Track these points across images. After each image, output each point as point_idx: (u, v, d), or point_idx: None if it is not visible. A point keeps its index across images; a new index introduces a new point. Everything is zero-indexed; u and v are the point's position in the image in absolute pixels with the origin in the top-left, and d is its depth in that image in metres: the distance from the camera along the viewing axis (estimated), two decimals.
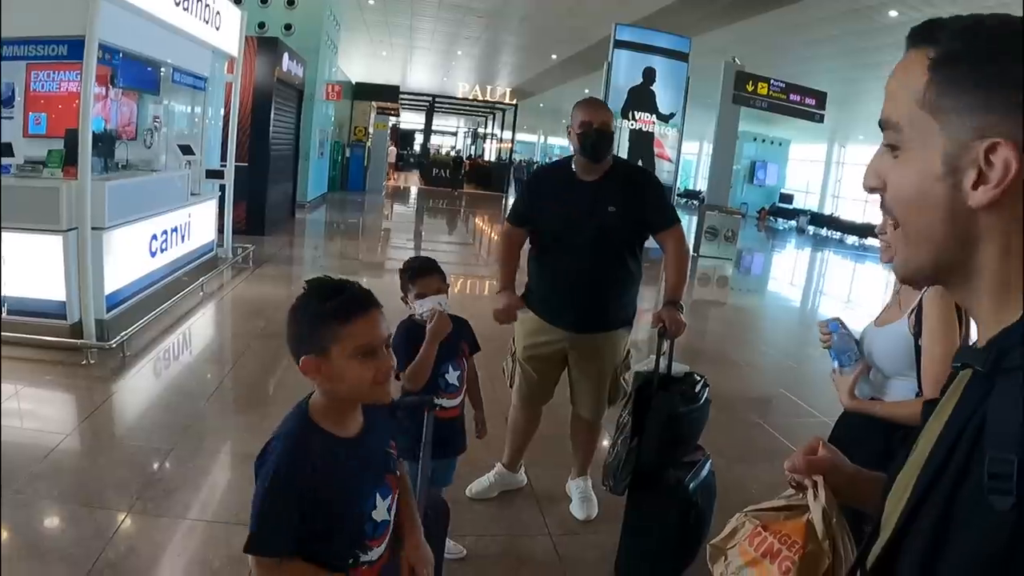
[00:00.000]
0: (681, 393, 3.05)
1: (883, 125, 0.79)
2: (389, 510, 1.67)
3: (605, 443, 3.80)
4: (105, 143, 6.34)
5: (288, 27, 13.87)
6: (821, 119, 14.99)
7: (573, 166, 3.37)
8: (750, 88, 13.80)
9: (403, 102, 28.00)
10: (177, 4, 6.46)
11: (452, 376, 2.86)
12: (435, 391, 2.79)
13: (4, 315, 5.17)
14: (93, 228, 5.33)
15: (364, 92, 23.13)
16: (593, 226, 3.26)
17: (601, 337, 3.44)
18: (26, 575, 2.82)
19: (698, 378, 3.13)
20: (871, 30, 13.93)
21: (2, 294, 5.12)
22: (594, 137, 3.23)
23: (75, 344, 5.25)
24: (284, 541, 1.46)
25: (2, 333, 4.90)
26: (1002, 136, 0.67)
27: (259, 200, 11.52)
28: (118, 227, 5.75)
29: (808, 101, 14.68)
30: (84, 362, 5.15)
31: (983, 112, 0.69)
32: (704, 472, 3.03)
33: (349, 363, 1.50)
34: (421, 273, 2.78)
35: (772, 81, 14.10)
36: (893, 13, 12.71)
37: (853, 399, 2.26)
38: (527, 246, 3.63)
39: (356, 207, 19.28)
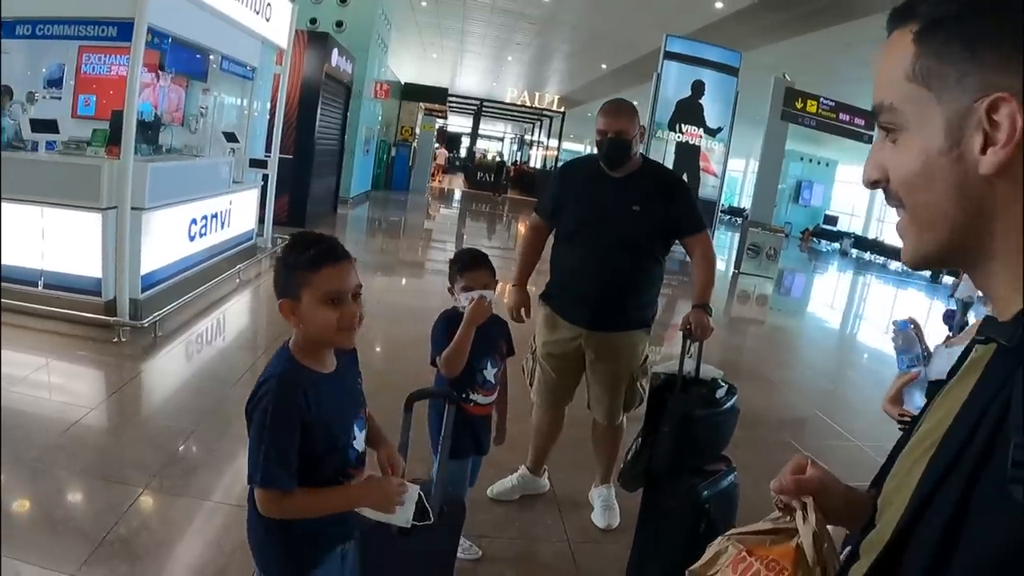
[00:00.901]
0: (701, 396, 2.96)
1: (875, 111, 0.75)
2: (365, 441, 1.85)
3: None
4: (151, 127, 6.41)
5: (340, 24, 14.00)
6: (869, 140, 14.63)
7: (602, 163, 3.33)
8: (799, 105, 13.59)
9: (451, 105, 28.10)
10: None
11: (490, 372, 2.81)
12: (472, 385, 2.78)
13: (40, 288, 5.24)
14: (133, 208, 5.37)
15: (413, 93, 23.25)
16: (615, 223, 3.22)
17: (617, 337, 3.37)
18: (35, 544, 2.81)
19: (723, 384, 3.03)
20: None
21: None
22: (607, 146, 3.21)
23: (108, 321, 5.29)
24: (290, 474, 1.62)
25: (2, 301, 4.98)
26: (1003, 91, 0.63)
27: (302, 193, 11.60)
28: (158, 209, 5.80)
29: (857, 121, 14.42)
30: (115, 340, 5.20)
31: (978, 71, 0.65)
32: (724, 483, 2.92)
33: (318, 308, 1.66)
34: (471, 265, 2.74)
35: (821, 99, 13.88)
36: None
37: (891, 404, 2.09)
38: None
39: (399, 206, 19.37)
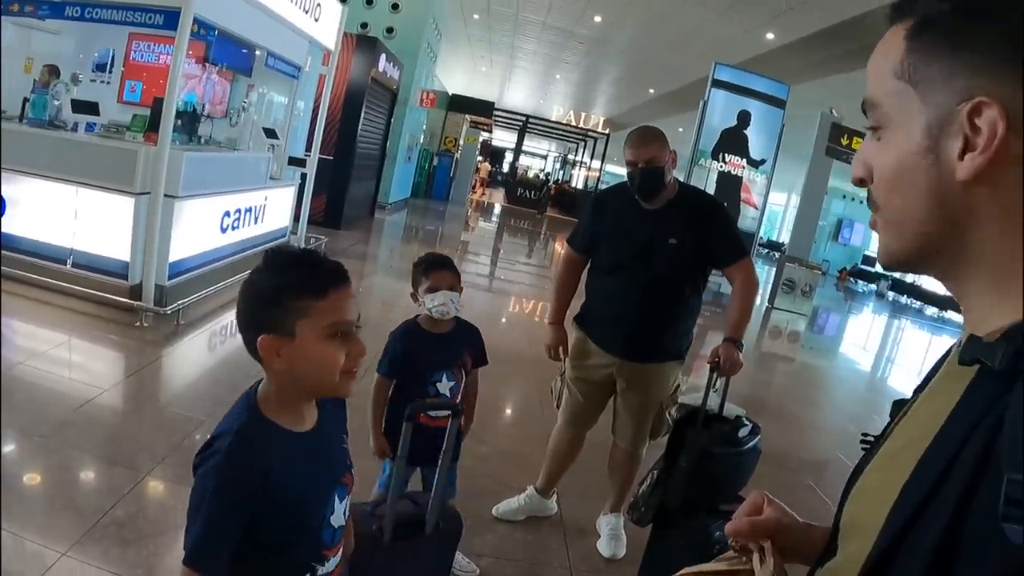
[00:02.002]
0: (723, 434, 2.86)
1: (864, 107, 0.75)
2: (345, 513, 1.48)
3: None
4: (193, 117, 6.49)
5: (390, 30, 14.13)
6: None
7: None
8: (844, 142, 13.40)
9: (496, 119, 28.22)
10: None
11: (445, 387, 2.72)
12: (424, 399, 2.68)
13: (69, 267, 5.30)
14: (166, 195, 5.42)
15: (459, 104, 23.42)
16: (652, 257, 3.13)
17: (651, 368, 3.28)
18: (30, 518, 2.80)
19: (747, 423, 2.93)
20: None
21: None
22: (640, 177, 3.09)
23: (132, 305, 5.33)
24: (225, 561, 1.26)
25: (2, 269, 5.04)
26: (987, 96, 0.62)
27: (339, 195, 11.69)
28: (191, 198, 5.84)
29: None
30: (138, 324, 5.23)
31: (964, 74, 0.64)
32: None
33: (319, 344, 1.28)
34: (435, 266, 2.71)
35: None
36: None
37: None
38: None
39: (437, 215, 19.45)
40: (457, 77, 27.31)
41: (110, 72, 6.97)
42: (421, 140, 20.00)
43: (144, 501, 3.14)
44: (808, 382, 9.37)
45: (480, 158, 30.95)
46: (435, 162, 22.99)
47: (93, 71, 7.19)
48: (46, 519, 2.83)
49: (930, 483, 0.61)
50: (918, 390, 0.76)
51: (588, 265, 3.45)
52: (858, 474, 0.77)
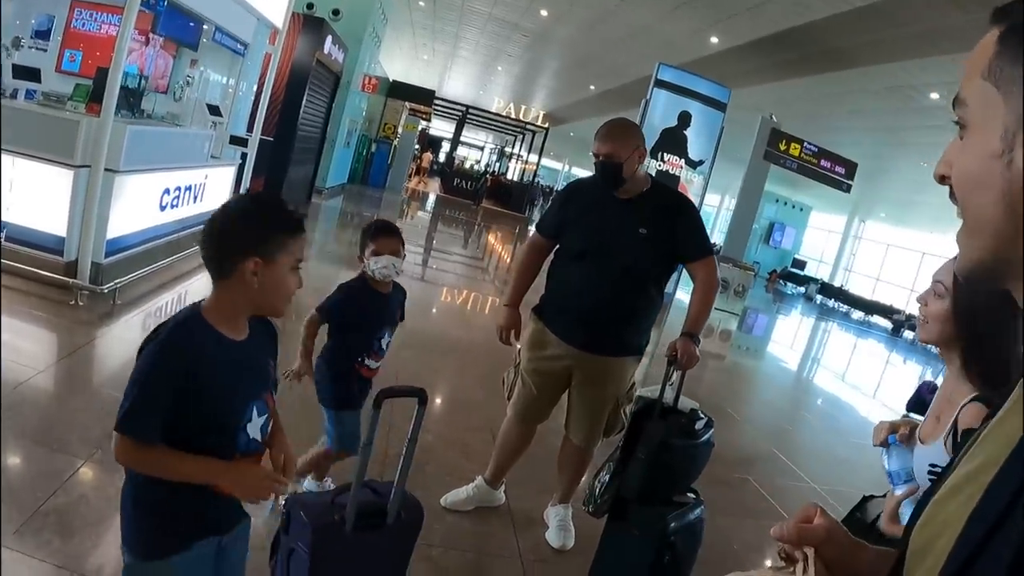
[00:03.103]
0: (680, 426, 2.91)
1: (954, 103, 0.73)
2: (262, 431, 1.69)
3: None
4: (135, 89, 6.25)
5: (336, 12, 13.86)
6: (848, 189, 14.95)
7: None
8: (783, 147, 13.76)
9: (436, 108, 27.99)
10: None
11: (385, 341, 3.06)
12: (369, 352, 3.02)
13: (3, 240, 5.04)
14: (106, 169, 5.20)
15: (399, 91, 23.12)
16: (621, 246, 3.15)
17: (609, 362, 3.29)
18: None
19: (702, 416, 3.00)
20: (910, 109, 13.96)
21: (1, 220, 5.00)
22: (600, 169, 3.19)
23: (67, 282, 5.10)
24: (154, 427, 1.49)
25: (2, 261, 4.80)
26: None
27: (278, 177, 11.45)
28: (132, 173, 5.61)
29: (838, 169, 14.64)
30: (72, 302, 5.02)
31: None
32: (691, 516, 2.87)
33: (286, 274, 1.62)
34: (382, 232, 2.96)
35: (805, 143, 14.07)
36: (934, 95, 12.72)
37: (892, 522, 1.94)
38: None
39: (373, 202, 19.22)
40: (398, 64, 27.00)
41: (48, 40, 6.69)
42: (360, 126, 19.71)
43: (85, 488, 3.02)
44: (740, 379, 9.62)
45: (418, 147, 30.72)
46: (373, 148, 22.70)
47: (32, 38, 6.89)
48: None
49: (997, 512, 0.60)
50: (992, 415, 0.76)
51: (553, 254, 3.45)
52: (926, 502, 0.76)
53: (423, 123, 28.94)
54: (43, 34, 7.04)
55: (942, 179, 0.75)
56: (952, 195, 0.73)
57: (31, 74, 5.33)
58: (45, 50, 6.60)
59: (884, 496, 2.12)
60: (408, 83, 23.99)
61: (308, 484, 3.29)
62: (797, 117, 15.00)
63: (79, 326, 4.79)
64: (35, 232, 5.20)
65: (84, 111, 5.31)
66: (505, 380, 3.61)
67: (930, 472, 1.83)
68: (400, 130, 23.96)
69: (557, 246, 3.43)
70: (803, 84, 14.24)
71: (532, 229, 3.64)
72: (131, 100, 6.20)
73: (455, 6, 17.21)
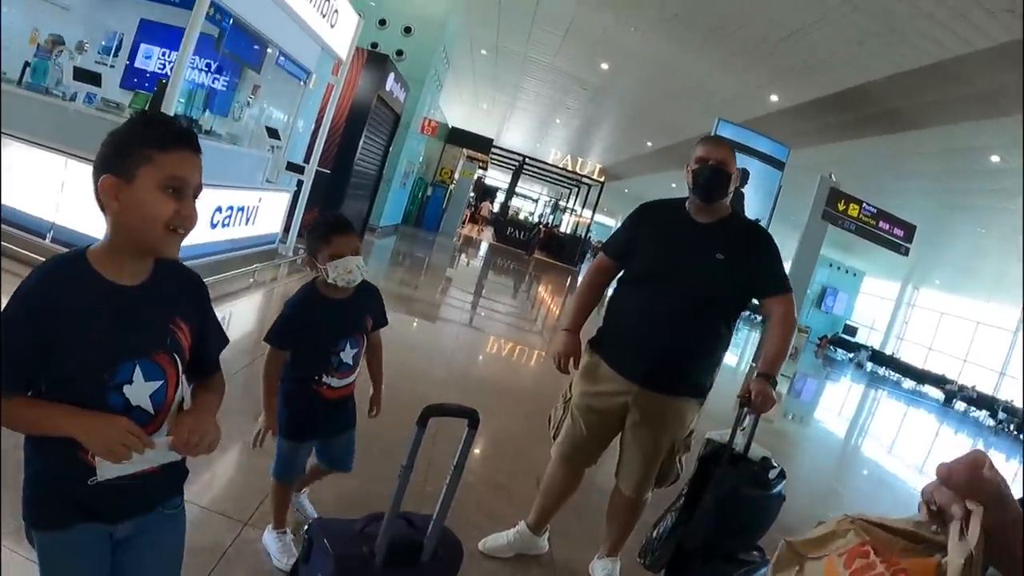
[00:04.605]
0: (752, 474, 2.63)
1: None
2: (154, 399, 1.41)
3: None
4: (195, 103, 6.28)
5: (400, 53, 14.08)
6: (906, 252, 14.48)
7: (687, 205, 3.01)
8: (841, 207, 13.45)
9: (493, 156, 28.25)
10: None
11: (348, 355, 2.59)
12: (326, 369, 2.56)
13: (48, 241, 5.01)
14: None
15: (458, 137, 23.41)
16: (695, 270, 2.87)
17: (668, 402, 2.95)
18: None
19: (776, 465, 2.70)
20: (971, 172, 13.69)
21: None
22: (707, 174, 2.87)
23: None
24: (14, 377, 1.30)
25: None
26: None
27: (333, 210, 11.40)
28: None
29: (896, 231, 14.23)
30: None
31: None
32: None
33: (153, 194, 1.34)
34: (338, 230, 2.49)
35: (864, 204, 13.71)
36: (995, 158, 12.38)
37: None
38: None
39: (425, 245, 19.21)
40: (458, 110, 27.39)
41: (115, 56, 6.80)
42: (417, 168, 19.88)
43: None
44: (786, 442, 9.18)
45: (473, 195, 30.94)
46: (428, 192, 22.86)
47: (99, 53, 7.02)
48: None
49: None
50: None
51: (616, 281, 3.18)
52: None
53: (479, 171, 29.15)
54: (110, 51, 7.18)
55: None
56: None
57: (92, 78, 5.35)
58: (113, 66, 6.70)
59: None
60: (467, 130, 24.26)
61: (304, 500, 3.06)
62: (854, 178, 14.70)
63: None
64: (82, 236, 5.16)
65: None
66: (552, 417, 3.30)
67: None
68: (457, 176, 24.12)
69: (622, 272, 3.16)
70: (861, 145, 14.00)
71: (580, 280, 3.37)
72: (190, 107, 6.21)
73: (517, 55, 17.38)
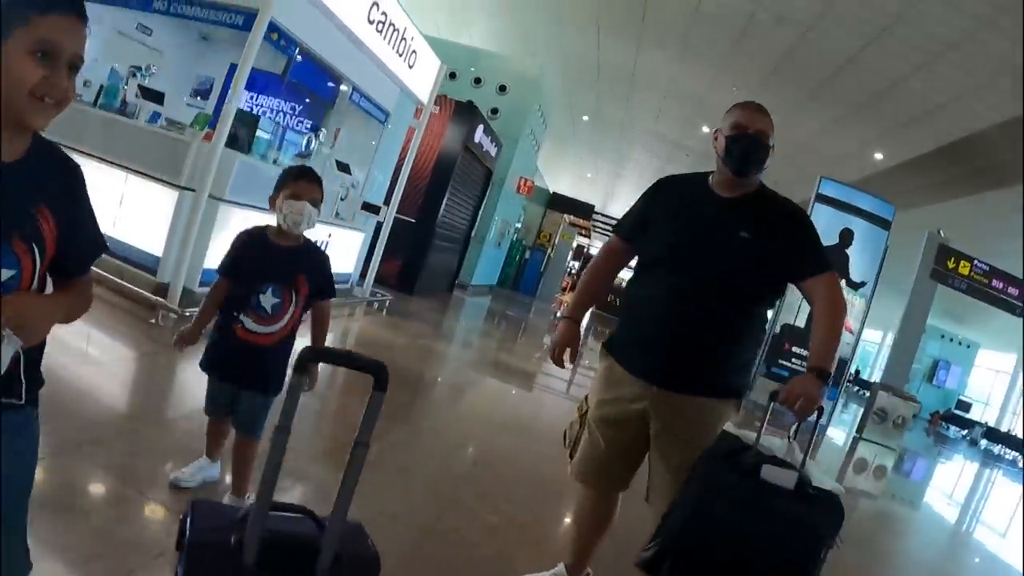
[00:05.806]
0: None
1: None
2: (4, 290, 1.25)
3: None
4: (265, 131, 6.41)
5: (495, 111, 14.19)
6: (1021, 313, 13.28)
7: (709, 180, 2.58)
8: (951, 265, 12.54)
9: (595, 224, 28.18)
10: (370, 22, 6.50)
11: (268, 301, 2.60)
12: (245, 307, 2.59)
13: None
14: (211, 196, 5.21)
15: (559, 202, 23.51)
16: (716, 252, 2.44)
17: (696, 403, 2.47)
18: None
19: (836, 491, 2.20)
20: None
21: None
22: (746, 143, 2.41)
23: (152, 300, 5.06)
24: None
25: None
26: None
27: (417, 262, 11.44)
28: (238, 205, 5.61)
29: (1010, 291, 13.11)
30: (153, 320, 4.93)
31: None
32: None
33: (22, 56, 1.23)
34: (304, 176, 2.65)
35: (976, 262, 12.73)
36: None
37: None
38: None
39: (521, 306, 18.97)
40: (563, 179, 27.56)
41: (206, 100, 7.06)
42: (517, 230, 19.91)
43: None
44: (892, 521, 8.33)
45: (574, 263, 30.85)
46: (527, 255, 22.85)
47: (190, 96, 7.30)
48: None
49: None
50: None
51: (631, 270, 2.80)
52: None
53: (582, 239, 29.06)
54: (203, 93, 7.45)
55: None
56: None
57: (156, 96, 5.52)
58: (202, 109, 6.94)
59: None
60: (569, 196, 24.34)
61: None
62: (964, 237, 13.77)
63: (149, 343, 4.68)
64: (134, 249, 5.26)
65: (201, 137, 5.38)
66: (567, 433, 2.84)
67: None
68: (557, 240, 24.09)
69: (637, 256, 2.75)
70: (969, 202, 13.12)
71: None
72: (264, 144, 6.33)
73: (615, 121, 17.36)
